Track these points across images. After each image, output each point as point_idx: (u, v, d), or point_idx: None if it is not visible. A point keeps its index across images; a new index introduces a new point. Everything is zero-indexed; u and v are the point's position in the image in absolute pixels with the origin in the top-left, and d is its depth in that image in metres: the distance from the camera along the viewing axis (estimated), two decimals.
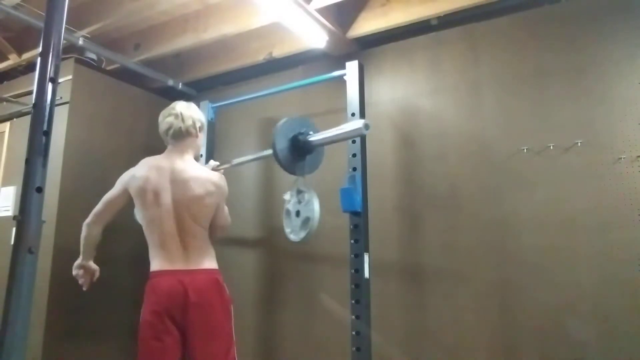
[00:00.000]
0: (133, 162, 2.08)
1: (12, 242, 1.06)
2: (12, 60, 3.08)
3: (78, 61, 2.81)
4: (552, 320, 2.03)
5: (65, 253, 2.50)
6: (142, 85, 3.21)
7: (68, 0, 1.22)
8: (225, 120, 3.11)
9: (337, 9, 2.57)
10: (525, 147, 2.20)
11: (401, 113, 2.58)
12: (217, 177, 2.07)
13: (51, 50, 1.16)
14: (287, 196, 2.15)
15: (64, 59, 2.65)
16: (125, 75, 3.12)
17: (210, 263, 1.98)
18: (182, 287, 1.85)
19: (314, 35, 2.53)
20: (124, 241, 2.66)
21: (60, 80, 1.52)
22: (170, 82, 3.19)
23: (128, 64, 3.02)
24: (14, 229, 1.07)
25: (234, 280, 2.17)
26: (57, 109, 1.21)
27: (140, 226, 2.03)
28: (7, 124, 3.07)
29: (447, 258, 2.32)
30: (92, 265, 2.05)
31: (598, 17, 2.14)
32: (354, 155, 2.26)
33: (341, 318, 2.39)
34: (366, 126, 1.90)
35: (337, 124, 2.20)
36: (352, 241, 2.19)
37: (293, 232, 2.12)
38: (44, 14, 1.21)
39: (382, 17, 2.55)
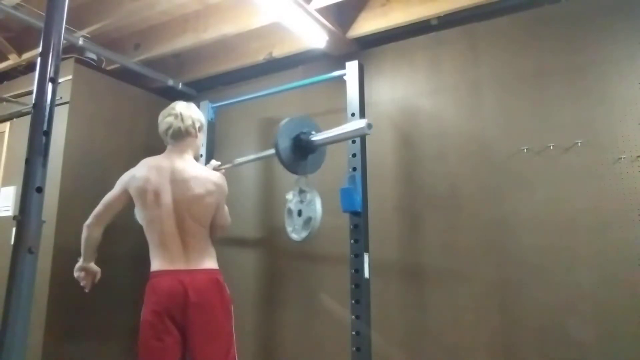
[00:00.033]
0: (133, 162, 2.08)
1: (12, 242, 1.06)
2: (12, 60, 3.08)
3: (78, 61, 2.82)
4: (552, 320, 2.03)
5: (65, 253, 2.51)
6: (142, 85, 3.21)
7: (68, 0, 1.23)
8: (225, 120, 3.11)
9: (337, 9, 2.57)
10: (525, 147, 2.20)
11: (401, 113, 2.58)
12: (217, 176, 2.07)
13: (51, 50, 1.16)
14: (289, 196, 2.16)
15: (64, 59, 2.65)
16: (125, 75, 3.12)
17: (210, 263, 1.98)
18: (182, 287, 1.85)
19: (314, 35, 2.53)
20: (123, 241, 2.67)
21: (60, 80, 1.52)
22: (170, 82, 3.19)
23: (128, 64, 3.02)
24: (14, 229, 1.07)
25: (234, 280, 2.17)
26: (57, 109, 1.21)
27: (140, 226, 2.04)
28: (7, 124, 3.08)
29: (447, 258, 2.32)
30: (94, 267, 2.06)
31: (598, 17, 2.14)
32: (354, 155, 2.26)
33: (341, 318, 2.39)
34: (369, 126, 1.91)
35: (337, 124, 2.21)
36: (352, 241, 2.19)
37: (295, 231, 2.12)
38: (44, 14, 1.21)
39: (382, 17, 2.55)
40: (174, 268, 1.89)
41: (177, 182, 1.96)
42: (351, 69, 2.38)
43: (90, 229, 1.99)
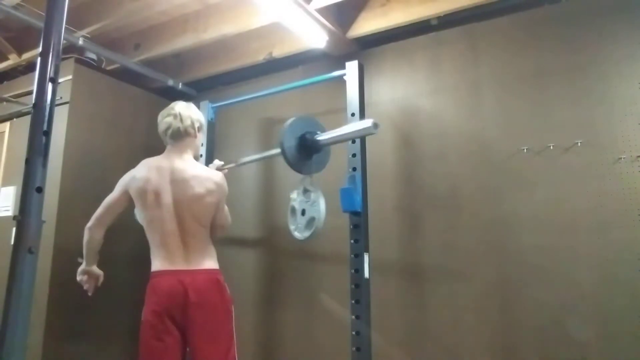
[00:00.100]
0: (133, 162, 2.08)
1: (12, 242, 1.06)
2: (12, 60, 3.08)
3: (78, 61, 2.82)
4: (552, 320, 2.03)
5: (65, 253, 2.51)
6: (142, 85, 3.21)
7: (68, 0, 1.23)
8: (225, 120, 3.11)
9: (337, 9, 2.57)
10: (525, 147, 2.20)
11: (401, 113, 2.58)
12: (217, 175, 2.07)
13: (51, 50, 1.16)
14: (293, 194, 2.16)
15: (64, 59, 2.65)
16: (125, 75, 3.12)
17: (211, 263, 1.97)
18: (183, 287, 1.85)
19: (314, 35, 2.53)
20: (123, 241, 2.66)
21: (60, 80, 1.52)
22: (170, 82, 3.19)
23: (128, 64, 3.02)
24: (14, 229, 1.07)
25: (234, 280, 2.17)
26: (57, 109, 1.21)
27: (140, 226, 2.03)
28: (7, 124, 3.08)
29: (447, 258, 2.32)
30: (96, 270, 2.06)
31: (598, 17, 2.14)
32: (354, 155, 2.26)
33: (341, 318, 2.39)
34: (375, 125, 1.91)
35: (337, 124, 2.21)
36: (352, 241, 2.19)
37: (297, 230, 2.12)
38: (44, 14, 1.21)
39: (382, 17, 2.56)
40: (175, 268, 1.89)
41: (177, 182, 1.96)
42: (351, 69, 2.38)
43: (91, 232, 1.99)
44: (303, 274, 2.73)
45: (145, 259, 1.99)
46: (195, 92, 3.36)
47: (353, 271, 2.15)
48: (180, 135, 2.04)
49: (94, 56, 2.93)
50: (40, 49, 1.17)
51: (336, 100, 2.59)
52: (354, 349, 2.07)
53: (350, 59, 2.42)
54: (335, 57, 2.78)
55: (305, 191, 2.11)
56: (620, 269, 1.94)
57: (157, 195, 1.93)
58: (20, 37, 3.02)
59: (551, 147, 2.15)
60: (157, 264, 1.92)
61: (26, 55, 3.02)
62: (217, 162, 2.30)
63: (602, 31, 2.12)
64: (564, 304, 2.02)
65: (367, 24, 2.61)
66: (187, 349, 1.87)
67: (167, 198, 1.93)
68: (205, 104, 2.90)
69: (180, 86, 3.26)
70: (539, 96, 2.22)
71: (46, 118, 1.12)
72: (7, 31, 2.98)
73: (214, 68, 3.16)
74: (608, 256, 1.97)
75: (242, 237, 2.95)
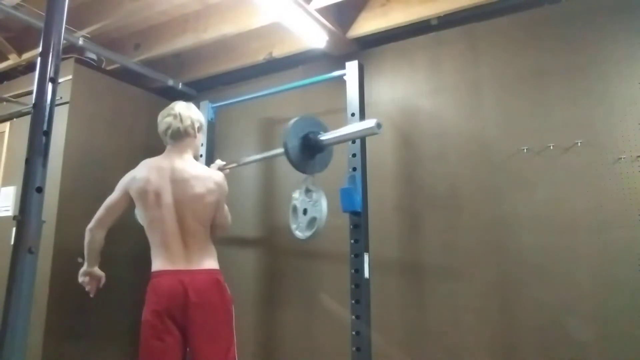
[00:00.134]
0: (133, 162, 2.08)
1: (12, 242, 1.06)
2: (12, 60, 3.08)
3: (78, 61, 2.82)
4: (552, 320, 2.03)
5: (65, 253, 2.51)
6: (142, 85, 3.21)
7: (68, 0, 1.23)
8: (225, 120, 3.11)
9: (337, 9, 2.57)
10: (525, 147, 2.20)
11: (401, 113, 2.58)
12: (217, 175, 2.08)
13: (51, 50, 1.16)
14: (295, 194, 2.16)
15: (64, 59, 2.65)
16: (125, 75, 3.12)
17: (211, 263, 1.98)
18: (183, 287, 1.85)
19: (314, 35, 2.53)
20: (123, 241, 2.66)
21: (60, 80, 1.52)
22: (170, 82, 3.19)
23: (128, 64, 3.02)
24: (14, 229, 1.07)
25: (234, 280, 2.17)
26: (57, 109, 1.21)
27: (139, 226, 2.04)
28: (7, 124, 3.08)
29: (447, 258, 2.32)
30: (98, 271, 2.06)
31: (598, 17, 2.14)
32: (354, 155, 2.26)
33: (341, 318, 2.39)
34: (378, 125, 1.91)
35: (337, 124, 2.21)
36: (352, 241, 2.19)
37: (299, 229, 2.13)
38: (44, 14, 1.21)
39: (382, 17, 2.56)
40: (175, 268, 1.89)
41: (178, 181, 1.96)
42: (351, 69, 2.38)
43: (92, 233, 1.99)
44: (303, 274, 2.73)
45: (145, 259, 2.00)
46: (195, 92, 3.36)
47: (353, 271, 2.15)
48: (180, 136, 2.04)
49: (94, 56, 2.93)
50: (40, 49, 1.16)
51: (336, 100, 2.59)
52: (354, 349, 2.07)
53: (350, 59, 2.42)
54: (335, 57, 2.78)
55: (308, 191, 2.12)
56: (620, 269, 1.94)
57: (158, 195, 1.93)
58: (20, 37, 3.02)
59: (551, 147, 2.15)
60: (158, 264, 1.92)
61: (26, 55, 3.02)
62: (219, 162, 2.30)
63: (602, 31, 2.12)
64: (564, 304, 2.02)
65: (367, 24, 2.61)
66: (188, 349, 1.87)
67: (168, 198, 1.94)
68: (205, 104, 2.90)
69: (180, 86, 3.26)
70: (539, 96, 2.22)
71: (46, 118, 1.12)
72: (7, 31, 2.98)
73: (214, 68, 3.16)
74: (608, 256, 1.97)
75: (242, 237, 2.95)
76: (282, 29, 2.57)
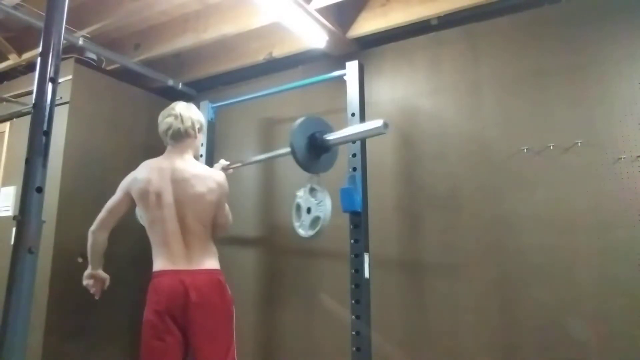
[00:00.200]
0: (133, 162, 2.08)
1: (12, 242, 1.06)
2: (12, 60, 3.08)
3: (78, 61, 2.82)
4: (552, 320, 2.03)
5: (65, 253, 2.51)
6: (142, 85, 3.21)
7: (68, 0, 1.23)
8: (225, 120, 3.11)
9: (337, 9, 2.57)
10: (525, 147, 2.20)
11: (401, 113, 2.58)
12: (218, 174, 2.08)
13: (51, 50, 1.16)
14: (300, 192, 2.17)
15: (64, 59, 2.65)
16: (125, 75, 3.12)
17: (212, 263, 1.98)
18: (183, 287, 1.85)
19: (314, 35, 2.53)
20: (123, 241, 2.66)
21: (60, 80, 1.52)
22: (170, 82, 3.19)
23: (128, 64, 3.02)
24: (14, 229, 1.07)
25: (234, 279, 2.17)
26: (57, 109, 1.21)
27: (140, 226, 2.04)
28: (7, 124, 3.08)
29: (447, 258, 2.32)
30: (102, 273, 2.06)
31: (598, 17, 2.14)
32: (354, 155, 2.26)
33: (341, 318, 2.39)
34: (385, 125, 1.91)
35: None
36: (352, 241, 2.19)
37: (302, 227, 2.13)
38: (44, 14, 1.21)
39: (382, 17, 2.55)
40: (176, 268, 1.90)
41: (178, 181, 1.96)
42: (351, 69, 2.38)
43: (95, 235, 1.99)
44: (303, 274, 2.73)
45: (145, 259, 2.00)
46: (195, 92, 3.36)
47: (353, 271, 2.15)
48: (181, 136, 2.04)
49: (94, 56, 2.93)
50: (40, 49, 1.16)
51: (336, 100, 2.59)
52: (354, 349, 2.07)
53: (350, 59, 2.42)
54: (335, 57, 2.78)
55: (312, 190, 2.12)
56: (620, 269, 1.94)
57: (159, 195, 1.93)
58: (20, 37, 3.02)
59: (551, 147, 2.14)
60: (159, 264, 1.92)
61: (26, 55, 3.02)
62: (222, 162, 2.31)
63: (602, 31, 2.12)
64: (564, 304, 2.02)
65: (367, 24, 2.61)
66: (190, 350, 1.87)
67: (169, 198, 1.94)
68: (205, 104, 2.90)
69: (180, 86, 3.26)
70: (539, 96, 2.22)
71: (46, 118, 1.12)
72: (7, 31, 2.98)
73: (214, 68, 3.16)
74: (608, 256, 1.97)
75: (242, 237, 2.95)
76: (282, 29, 2.57)
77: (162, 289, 1.86)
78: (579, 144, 2.09)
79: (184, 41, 2.86)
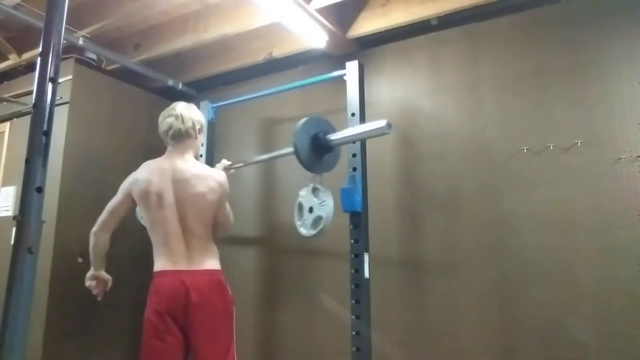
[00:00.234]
0: (133, 162, 2.08)
1: (12, 242, 1.06)
2: (12, 60, 3.08)
3: (78, 61, 2.81)
4: (552, 320, 2.03)
5: (65, 253, 2.51)
6: (142, 85, 3.21)
7: (68, 0, 1.23)
8: (225, 120, 3.11)
9: (337, 9, 2.57)
10: (525, 147, 2.20)
11: (401, 113, 2.58)
12: (218, 174, 2.08)
13: (51, 50, 1.16)
14: (302, 192, 2.17)
15: (64, 59, 2.65)
16: (125, 75, 3.12)
17: (213, 263, 1.98)
18: (184, 288, 1.85)
19: (314, 35, 2.53)
20: (124, 241, 2.66)
21: (60, 80, 1.52)
22: (170, 82, 3.19)
23: (128, 64, 3.02)
24: (14, 229, 1.07)
25: (234, 279, 2.17)
26: (57, 109, 1.21)
27: (140, 226, 2.04)
28: (7, 124, 3.07)
29: (448, 258, 2.32)
30: (104, 275, 2.06)
31: (598, 17, 2.14)
32: (354, 155, 2.26)
33: (341, 318, 2.39)
34: (389, 125, 1.91)
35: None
36: (352, 241, 2.19)
37: (303, 226, 2.13)
38: (44, 14, 1.21)
39: (382, 17, 2.55)
40: (177, 268, 1.90)
41: (179, 181, 1.96)
42: (351, 69, 2.38)
43: (97, 236, 2.00)
44: (303, 274, 2.73)
45: (145, 259, 2.00)
46: (195, 92, 3.36)
47: (353, 271, 2.15)
48: (182, 137, 2.04)
49: (94, 56, 2.93)
50: (40, 49, 1.16)
51: (336, 100, 2.59)
52: (354, 349, 2.07)
53: (350, 59, 2.42)
54: (335, 57, 2.78)
55: (315, 190, 2.13)
56: (620, 269, 1.94)
57: (160, 196, 1.94)
58: (20, 37, 3.02)
59: (551, 147, 2.14)
60: (160, 264, 1.92)
61: (26, 55, 3.02)
62: (224, 162, 2.31)
63: (602, 31, 2.12)
64: (564, 304, 2.02)
65: (367, 24, 2.61)
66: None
67: (170, 198, 1.94)
68: (205, 104, 2.90)
69: (180, 86, 3.26)
70: (539, 96, 2.22)
71: (46, 118, 1.12)
72: (7, 31, 2.98)
73: (214, 68, 3.16)
74: (608, 256, 1.97)
75: (242, 237, 2.95)
76: (282, 29, 2.57)
77: (162, 289, 1.86)
78: (579, 144, 2.09)
79: (184, 41, 2.86)
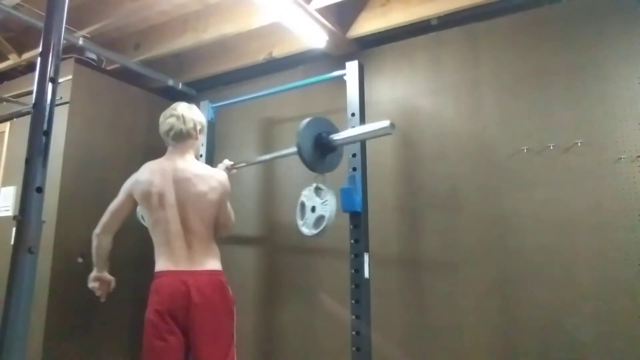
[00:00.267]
0: (133, 162, 2.08)
1: (12, 242, 1.06)
2: (12, 60, 3.08)
3: (78, 61, 2.82)
4: (552, 320, 2.03)
5: (65, 253, 2.51)
6: (142, 85, 3.21)
7: (68, 0, 1.23)
8: (225, 120, 3.11)
9: (337, 9, 2.57)
10: (525, 147, 2.20)
11: (401, 113, 2.58)
12: (219, 174, 2.09)
13: (51, 50, 1.16)
14: (305, 191, 2.17)
15: (64, 59, 2.65)
16: (125, 75, 3.12)
17: (214, 264, 1.98)
18: (185, 288, 1.85)
19: (314, 35, 2.53)
20: (124, 242, 2.66)
21: (60, 80, 1.52)
22: (170, 82, 3.19)
23: (128, 64, 3.02)
24: (14, 229, 1.07)
25: (234, 279, 2.17)
26: (57, 109, 1.21)
27: (140, 226, 2.04)
28: (7, 124, 3.08)
29: (448, 258, 2.32)
30: (107, 276, 2.06)
31: (598, 17, 2.14)
32: (354, 155, 2.26)
33: (341, 318, 2.39)
34: (392, 126, 1.91)
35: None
36: (352, 241, 2.19)
37: (305, 225, 2.14)
38: (44, 14, 1.21)
39: (382, 17, 2.55)
40: (178, 269, 1.90)
41: (180, 181, 1.97)
42: (351, 69, 2.38)
43: (99, 238, 2.00)
44: (303, 274, 2.73)
45: (144, 260, 2.00)
46: (195, 92, 3.36)
47: (353, 271, 2.15)
48: (183, 137, 2.04)
49: (94, 56, 2.93)
50: (40, 49, 1.16)
51: (336, 100, 2.59)
52: (354, 349, 2.07)
53: (350, 59, 2.42)
54: (335, 57, 2.78)
55: (317, 189, 2.13)
56: (620, 269, 1.94)
57: (161, 196, 1.94)
58: (20, 37, 3.02)
59: (551, 147, 2.14)
60: (161, 264, 1.93)
61: (26, 55, 3.02)
62: (226, 162, 2.31)
63: (602, 31, 2.12)
64: (564, 304, 2.02)
65: (367, 24, 2.61)
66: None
67: (171, 198, 1.94)
68: (205, 104, 2.90)
69: (180, 86, 3.26)
70: (539, 96, 2.22)
71: (46, 118, 1.12)
72: (7, 31, 2.98)
73: (214, 68, 3.16)
74: (608, 256, 1.97)
75: (242, 237, 2.95)
76: (282, 29, 2.57)
77: (163, 289, 1.86)
78: (579, 144, 2.09)
79: (184, 41, 2.87)
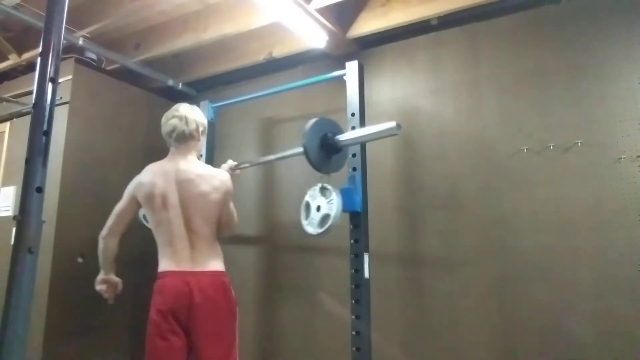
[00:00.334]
0: (133, 162, 2.08)
1: (12, 242, 1.06)
2: (12, 60, 3.08)
3: (78, 61, 2.82)
4: (552, 320, 2.03)
5: (65, 253, 2.51)
6: (142, 85, 3.21)
7: (68, 0, 1.23)
8: (225, 120, 3.11)
9: (337, 9, 2.57)
10: (525, 147, 2.20)
11: (401, 113, 2.58)
12: (222, 174, 2.09)
13: (51, 50, 1.16)
14: (310, 191, 2.18)
15: (64, 59, 2.65)
16: (125, 75, 3.12)
17: (217, 264, 1.98)
18: (188, 288, 1.86)
19: (314, 35, 2.53)
20: (124, 242, 2.66)
21: (60, 80, 1.52)
22: (170, 82, 3.19)
23: (128, 64, 3.02)
24: (14, 229, 1.07)
25: (234, 279, 2.17)
26: (57, 109, 1.21)
27: (141, 226, 2.04)
28: (7, 124, 3.08)
29: (448, 258, 2.32)
30: (114, 278, 2.07)
31: (598, 17, 2.14)
32: (354, 155, 2.26)
33: (341, 318, 2.39)
34: (398, 126, 1.92)
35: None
36: (352, 241, 2.19)
37: (310, 225, 2.14)
38: (44, 14, 1.21)
39: (382, 17, 2.56)
40: (181, 269, 1.90)
41: (183, 182, 1.97)
42: (351, 69, 2.38)
43: (106, 241, 2.01)
44: (303, 274, 2.73)
45: (145, 260, 2.00)
46: (195, 92, 3.36)
47: (353, 271, 2.15)
48: (185, 138, 2.05)
49: (94, 56, 2.93)
50: (40, 49, 1.17)
51: (336, 100, 2.59)
52: (354, 349, 2.07)
53: (350, 59, 2.42)
54: (335, 57, 2.78)
55: (323, 189, 2.14)
56: (620, 269, 1.94)
57: (164, 198, 1.94)
58: (20, 37, 3.02)
59: (551, 147, 2.14)
60: (164, 265, 1.93)
61: (26, 55, 3.02)
62: (230, 162, 2.32)
63: (602, 31, 2.12)
64: (564, 303, 2.02)
65: (367, 24, 2.61)
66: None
67: (174, 199, 1.95)
68: (205, 104, 2.90)
69: (180, 86, 3.26)
70: (539, 96, 2.22)
71: (46, 118, 1.13)
72: (7, 31, 2.98)
73: (214, 68, 3.16)
74: (608, 256, 1.97)
75: (243, 236, 2.95)
76: (282, 29, 2.57)
77: (166, 289, 1.87)
78: (579, 144, 2.09)
79: (184, 41, 2.87)
